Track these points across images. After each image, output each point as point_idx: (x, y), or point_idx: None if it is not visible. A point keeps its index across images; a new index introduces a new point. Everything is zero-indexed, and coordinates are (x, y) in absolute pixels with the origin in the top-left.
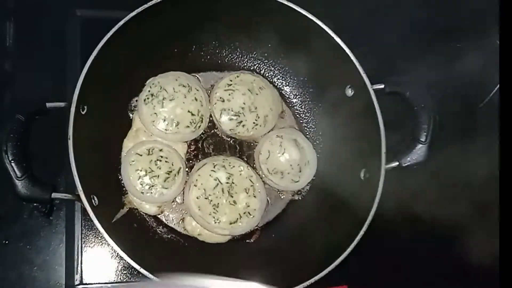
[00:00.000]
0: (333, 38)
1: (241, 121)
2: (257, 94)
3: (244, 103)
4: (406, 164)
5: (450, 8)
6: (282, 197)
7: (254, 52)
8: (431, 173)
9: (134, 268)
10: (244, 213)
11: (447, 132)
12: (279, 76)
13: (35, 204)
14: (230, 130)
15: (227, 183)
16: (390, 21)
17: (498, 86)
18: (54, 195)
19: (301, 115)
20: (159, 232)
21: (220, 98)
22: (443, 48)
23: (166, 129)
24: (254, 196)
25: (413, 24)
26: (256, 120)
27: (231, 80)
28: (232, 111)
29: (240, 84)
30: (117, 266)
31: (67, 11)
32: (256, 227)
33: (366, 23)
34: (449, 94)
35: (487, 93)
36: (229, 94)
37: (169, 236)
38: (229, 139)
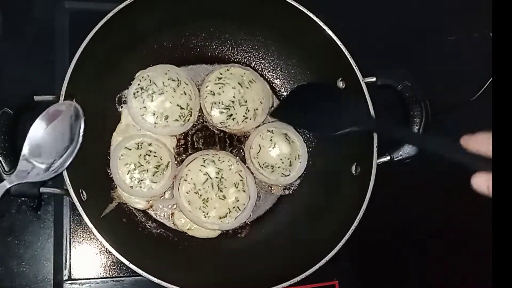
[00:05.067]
0: (324, 30)
1: (231, 114)
2: (247, 87)
3: (234, 97)
4: (398, 158)
5: (442, 0)
6: (272, 191)
7: (245, 45)
8: (423, 167)
9: (123, 263)
10: (234, 207)
11: (439, 126)
12: (269, 69)
13: (23, 199)
14: (220, 123)
15: (217, 177)
16: (382, 13)
17: (491, 79)
18: (42, 189)
19: None
20: (148, 227)
21: (211, 91)
22: (435, 41)
23: (155, 123)
24: (244, 191)
25: (405, 16)
26: (246, 113)
27: (221, 74)
28: (222, 104)
29: (230, 78)
30: (106, 261)
31: (55, 3)
32: (247, 222)
33: (358, 15)
34: (442, 88)
35: (480, 87)
36: (220, 88)
37: (158, 231)
38: (219, 132)
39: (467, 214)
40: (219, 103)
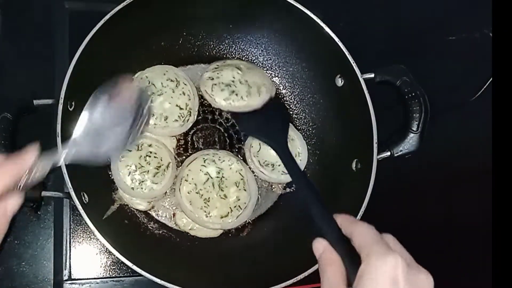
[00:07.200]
0: (322, 27)
1: (233, 91)
2: (245, 72)
3: (233, 77)
4: (398, 154)
5: (442, 0)
6: (273, 189)
7: (242, 44)
8: (423, 163)
9: (123, 263)
10: (235, 206)
11: (439, 125)
12: (267, 67)
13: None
14: (224, 100)
15: (217, 177)
16: (381, 10)
17: (491, 79)
18: (44, 193)
19: (291, 106)
20: (150, 228)
21: (210, 77)
22: (435, 41)
23: (154, 124)
24: (244, 190)
25: (405, 16)
26: (248, 89)
27: (218, 65)
28: (223, 84)
29: (227, 65)
30: (106, 261)
31: (55, 3)
32: (248, 221)
33: (356, 12)
34: (442, 88)
35: (480, 87)
36: (218, 73)
37: (160, 232)
38: (218, 131)
39: (467, 210)
40: (220, 83)
